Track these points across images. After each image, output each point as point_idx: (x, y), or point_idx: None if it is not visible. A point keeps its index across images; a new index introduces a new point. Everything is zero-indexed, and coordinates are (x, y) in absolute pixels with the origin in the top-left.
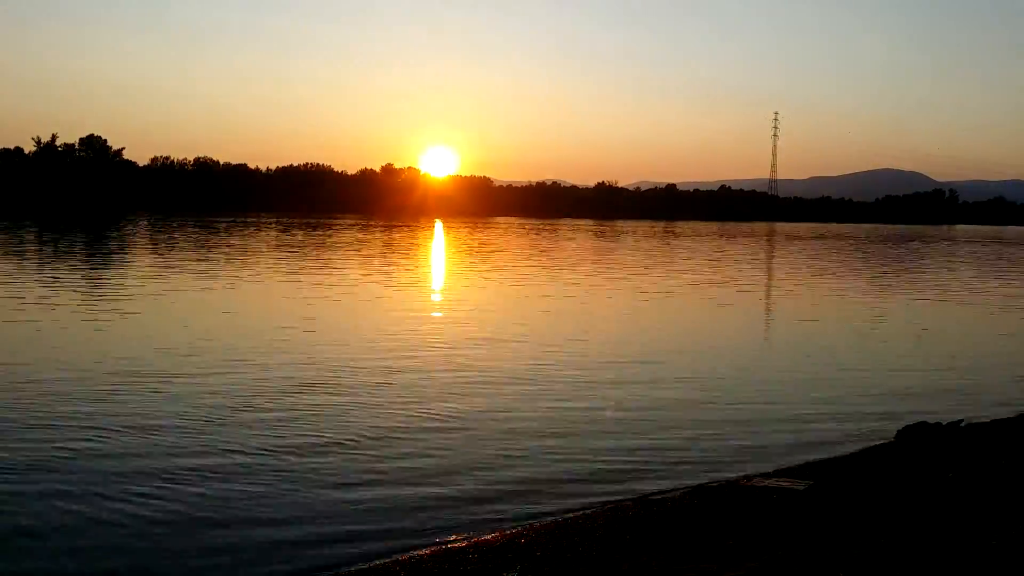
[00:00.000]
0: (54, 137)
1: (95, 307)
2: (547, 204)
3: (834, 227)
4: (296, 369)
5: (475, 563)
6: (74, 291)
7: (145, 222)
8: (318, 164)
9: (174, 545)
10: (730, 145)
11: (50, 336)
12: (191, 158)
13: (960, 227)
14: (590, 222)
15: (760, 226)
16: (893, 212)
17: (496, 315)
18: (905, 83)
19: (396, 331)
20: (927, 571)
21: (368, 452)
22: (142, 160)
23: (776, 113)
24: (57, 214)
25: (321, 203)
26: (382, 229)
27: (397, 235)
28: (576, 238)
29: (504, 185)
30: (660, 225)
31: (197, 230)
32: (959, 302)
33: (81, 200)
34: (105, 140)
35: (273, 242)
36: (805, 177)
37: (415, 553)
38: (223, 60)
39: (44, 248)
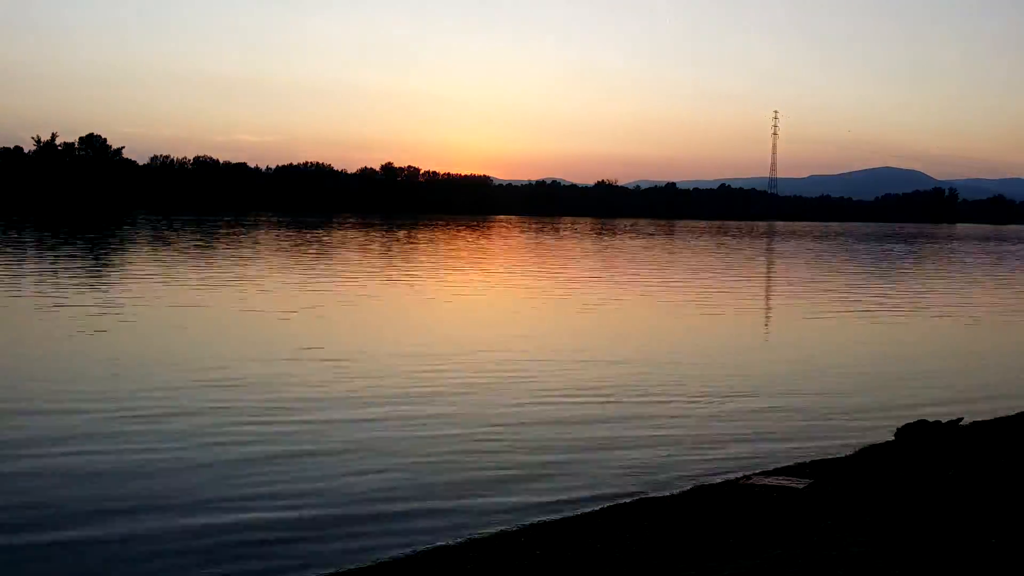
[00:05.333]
0: (54, 136)
1: (230, 307)
2: (547, 204)
3: (834, 226)
4: (310, 371)
5: (475, 562)
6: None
7: (151, 220)
8: (318, 163)
9: (171, 543)
10: (730, 144)
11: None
12: (191, 157)
13: (960, 226)
14: (590, 221)
15: (760, 225)
16: (893, 210)
17: (504, 315)
18: (906, 82)
19: (410, 339)
20: (927, 570)
21: (367, 452)
22: (142, 159)
23: (776, 112)
24: (58, 213)
25: (321, 203)
26: (394, 229)
27: (422, 237)
28: (591, 239)
29: (504, 185)
30: (661, 224)
31: (231, 231)
32: (959, 301)
33: (81, 199)
34: (105, 139)
35: (343, 243)
36: (805, 175)
37: (415, 552)
38: (224, 57)
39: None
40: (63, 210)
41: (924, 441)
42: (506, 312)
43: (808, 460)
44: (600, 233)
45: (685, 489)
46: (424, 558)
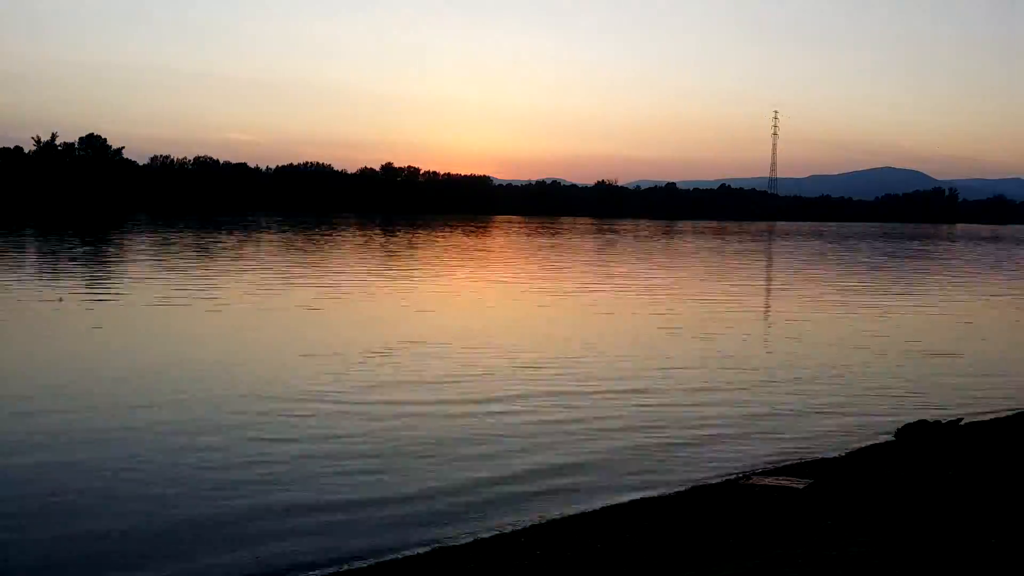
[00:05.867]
0: (54, 136)
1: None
2: (547, 204)
3: (833, 226)
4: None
5: (475, 562)
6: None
7: (179, 225)
8: (318, 163)
9: (175, 540)
10: (730, 144)
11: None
12: (191, 157)
13: (960, 226)
14: (590, 221)
15: (760, 225)
16: (893, 210)
17: (504, 318)
18: (906, 82)
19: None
20: (927, 570)
21: (369, 453)
22: (141, 159)
23: (776, 112)
24: (60, 214)
25: (321, 203)
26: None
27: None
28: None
29: (504, 185)
30: (661, 224)
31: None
32: (958, 301)
33: (81, 200)
34: (105, 139)
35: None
36: (805, 175)
37: (416, 552)
38: (225, 57)
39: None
40: (64, 211)
41: (924, 441)
42: (506, 315)
43: (808, 460)
44: (601, 233)
45: (685, 489)
46: (425, 558)
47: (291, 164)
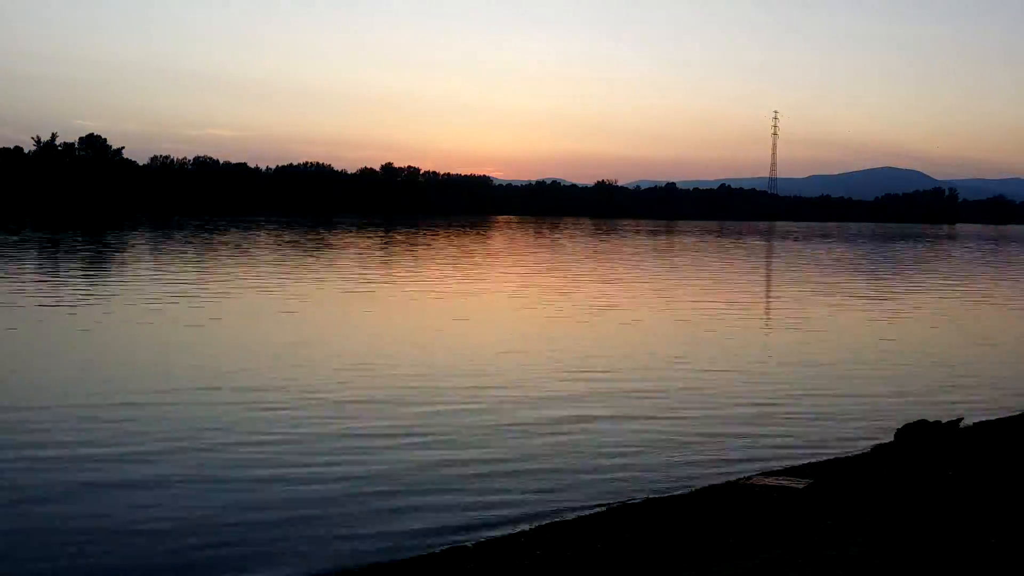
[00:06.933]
0: (54, 136)
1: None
2: (547, 204)
3: (833, 226)
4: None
5: (475, 562)
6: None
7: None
8: (318, 163)
9: (175, 545)
10: (730, 144)
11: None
12: (191, 157)
13: (960, 226)
14: (590, 221)
15: (760, 225)
16: (893, 210)
17: (504, 320)
18: (906, 82)
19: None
20: (926, 570)
21: (370, 454)
22: (141, 159)
23: (776, 112)
24: (60, 215)
25: (321, 203)
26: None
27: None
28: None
29: (504, 185)
30: (661, 224)
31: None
32: (958, 302)
33: (81, 200)
34: (105, 139)
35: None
36: (805, 175)
37: (416, 552)
38: (226, 55)
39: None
40: (64, 211)
41: (924, 441)
42: (506, 317)
43: (808, 460)
44: (602, 234)
45: (686, 490)
46: (425, 559)
47: (291, 164)
